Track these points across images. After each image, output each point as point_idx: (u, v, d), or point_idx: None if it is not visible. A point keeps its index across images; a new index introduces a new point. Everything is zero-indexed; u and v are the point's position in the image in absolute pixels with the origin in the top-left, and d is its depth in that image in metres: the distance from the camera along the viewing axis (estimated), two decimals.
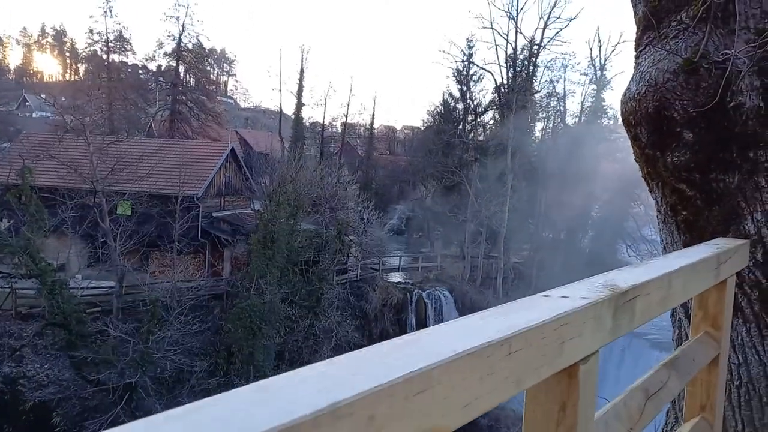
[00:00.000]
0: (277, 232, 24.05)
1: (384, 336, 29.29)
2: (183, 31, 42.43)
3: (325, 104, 53.95)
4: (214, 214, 30.40)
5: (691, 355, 1.81)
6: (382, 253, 34.30)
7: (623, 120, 2.66)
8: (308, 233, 26.93)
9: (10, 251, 20.26)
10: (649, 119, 2.52)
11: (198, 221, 28.63)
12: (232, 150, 32.01)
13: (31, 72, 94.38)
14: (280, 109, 49.41)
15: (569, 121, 40.23)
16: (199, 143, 36.14)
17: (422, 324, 29.93)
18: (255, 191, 30.81)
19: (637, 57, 2.67)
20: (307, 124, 48.82)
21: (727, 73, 2.38)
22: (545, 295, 1.11)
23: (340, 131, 50.99)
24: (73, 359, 20.97)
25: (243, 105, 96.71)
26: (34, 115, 58.12)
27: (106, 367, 20.62)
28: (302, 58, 44.87)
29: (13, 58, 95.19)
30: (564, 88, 39.47)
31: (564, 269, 32.28)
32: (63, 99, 42.62)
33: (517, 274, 34.79)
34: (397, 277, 33.14)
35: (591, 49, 42.34)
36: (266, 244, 23.61)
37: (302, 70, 45.37)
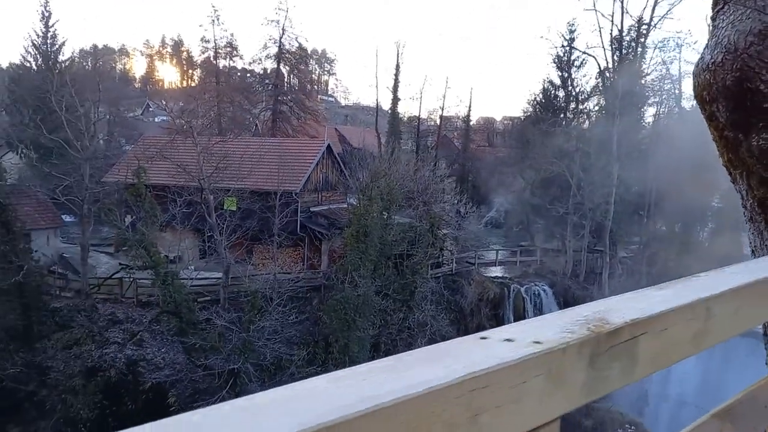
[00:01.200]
0: (370, 225, 24.27)
1: (480, 330, 28.65)
2: (283, 33, 44.11)
3: (420, 98, 53.94)
4: (312, 209, 31.36)
5: (763, 401, 1.39)
6: (479, 247, 33.58)
7: (696, 96, 2.18)
8: (402, 227, 26.94)
9: (129, 245, 22.16)
10: (728, 94, 2.03)
11: (297, 216, 29.69)
12: (329, 147, 32.79)
13: (154, 80, 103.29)
14: (377, 104, 49.91)
15: (686, 104, 36.82)
16: (297, 141, 37.47)
17: (521, 318, 28.93)
18: (351, 186, 31.37)
19: (713, 18, 2.17)
20: (405, 118, 48.94)
21: None
22: (483, 337, 0.82)
23: (436, 124, 50.61)
24: (184, 344, 22.57)
25: (343, 102, 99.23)
26: (156, 119, 63.44)
27: (213, 353, 21.96)
28: (398, 54, 44.97)
29: (138, 68, 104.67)
30: (679, 70, 36.14)
31: (678, 265, 29.68)
32: (180, 104, 46.10)
33: (625, 269, 32.56)
34: (494, 272, 32.30)
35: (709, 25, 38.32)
36: (359, 238, 23.92)
37: (398, 66, 45.47)
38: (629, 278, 31.49)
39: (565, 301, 29.50)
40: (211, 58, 48.91)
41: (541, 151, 33.38)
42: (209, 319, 22.43)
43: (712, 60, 2.06)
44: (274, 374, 22.73)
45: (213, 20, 46.32)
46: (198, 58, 59.88)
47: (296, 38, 45.16)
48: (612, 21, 32.85)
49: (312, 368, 24.03)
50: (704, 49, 2.16)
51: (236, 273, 25.61)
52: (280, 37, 44.23)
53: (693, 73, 2.19)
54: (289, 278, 26.57)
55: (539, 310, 28.95)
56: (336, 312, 23.24)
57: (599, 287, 30.62)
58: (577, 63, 35.94)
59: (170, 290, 21.77)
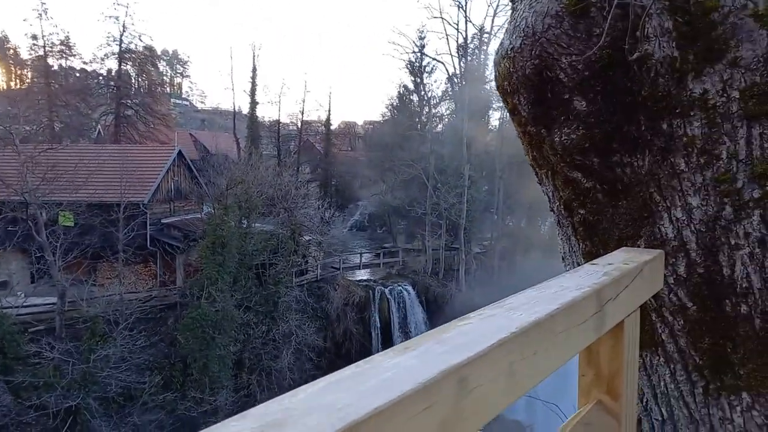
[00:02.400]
0: (227, 236, 22.97)
1: (347, 335, 28.56)
2: (124, 31, 40.56)
3: (279, 102, 52.91)
4: (163, 221, 29.05)
5: None
6: (344, 251, 33.49)
7: (498, 88, 1.95)
8: (263, 235, 25.91)
9: None
10: (529, 84, 1.81)
11: (146, 228, 27.32)
12: (180, 153, 30.65)
13: None
14: (233, 108, 48.01)
15: None
16: (143, 147, 34.60)
17: (386, 321, 29.29)
18: (206, 194, 29.57)
19: (513, 1, 1.95)
20: (266, 123, 47.57)
21: (630, 14, 1.68)
22: None
23: (298, 128, 49.85)
24: (10, 384, 19.56)
25: (199, 106, 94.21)
26: None
27: (47, 390, 19.29)
28: (254, 56, 43.71)
29: None
30: None
31: (525, 258, 32.09)
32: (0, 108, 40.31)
33: (479, 264, 34.43)
34: (360, 275, 32.37)
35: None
36: (216, 250, 22.52)
37: (254, 68, 44.07)
38: (483, 272, 33.39)
39: (427, 299, 30.45)
40: (43, 57, 43.54)
41: (399, 154, 34.20)
42: (40, 351, 19.68)
43: (511, 46, 1.83)
44: (123, 406, 20.57)
45: (40, 14, 41.29)
46: (27, 57, 53.02)
47: (139, 36, 41.80)
48: (457, 29, 34.68)
49: (169, 394, 22.19)
50: (504, 33, 1.92)
51: (75, 296, 22.83)
52: (121, 35, 40.63)
53: (494, 61, 1.94)
54: (139, 297, 24.31)
55: (404, 310, 29.54)
56: (192, 331, 21.64)
57: (457, 283, 32.04)
58: (428, 69, 37.42)
59: None
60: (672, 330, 1.68)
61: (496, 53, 1.91)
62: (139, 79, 47.73)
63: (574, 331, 1.03)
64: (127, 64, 42.90)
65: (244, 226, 25.27)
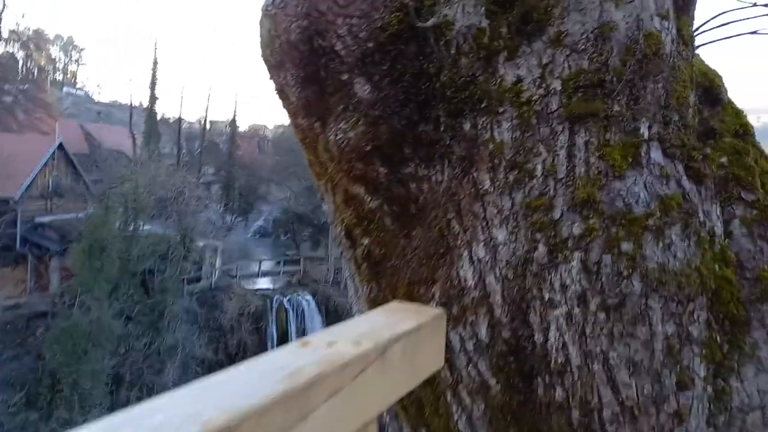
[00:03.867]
0: (107, 238, 21.02)
1: (241, 347, 27.17)
2: (4, 8, 36.71)
3: (182, 98, 50.27)
4: (38, 219, 26.27)
5: None
6: (243, 258, 32.04)
7: (264, 59, 1.38)
8: (151, 239, 24.04)
9: None
10: (296, 55, 1.26)
11: (16, 227, 24.56)
12: (61, 145, 27.94)
13: None
14: (130, 101, 44.96)
15: None
16: (18, 137, 31.28)
17: (284, 332, 28.23)
18: (89, 192, 27.11)
19: None
20: (169, 120, 44.92)
21: None
22: None
23: (201, 128, 47.57)
24: None
25: (96, 98, 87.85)
26: None
27: None
28: (155, 48, 41.12)
29: None
30: None
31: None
32: None
33: None
34: (259, 284, 31.05)
35: None
36: (93, 254, 20.50)
37: (155, 62, 41.40)
38: None
39: (327, 309, 29.75)
40: None
41: (304, 159, 33.32)
42: None
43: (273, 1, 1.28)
44: None
45: None
46: None
47: (23, 15, 38.06)
48: None
49: (32, 412, 19.92)
50: None
51: None
52: (0, 12, 36.68)
53: (259, 22, 1.38)
54: (2, 305, 21.73)
55: (302, 321, 28.63)
56: (61, 343, 19.51)
57: None
58: None
59: None
60: (471, 417, 1.18)
61: (263, 8, 1.35)
62: (27, 65, 43.63)
63: None
64: (13, 46, 38.97)
65: (131, 228, 23.35)
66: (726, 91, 1.28)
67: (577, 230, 1.04)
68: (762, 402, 1.08)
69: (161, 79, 41.48)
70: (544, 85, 1.08)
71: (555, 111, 1.07)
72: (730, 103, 1.29)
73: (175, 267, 23.90)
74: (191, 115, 46.95)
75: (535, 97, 1.09)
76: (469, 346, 1.16)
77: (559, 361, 1.07)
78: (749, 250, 1.11)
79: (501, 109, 1.11)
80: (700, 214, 1.07)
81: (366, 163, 1.24)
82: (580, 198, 1.04)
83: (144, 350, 22.20)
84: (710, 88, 1.25)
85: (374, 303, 1.30)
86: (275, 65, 1.31)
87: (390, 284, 1.29)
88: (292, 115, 1.36)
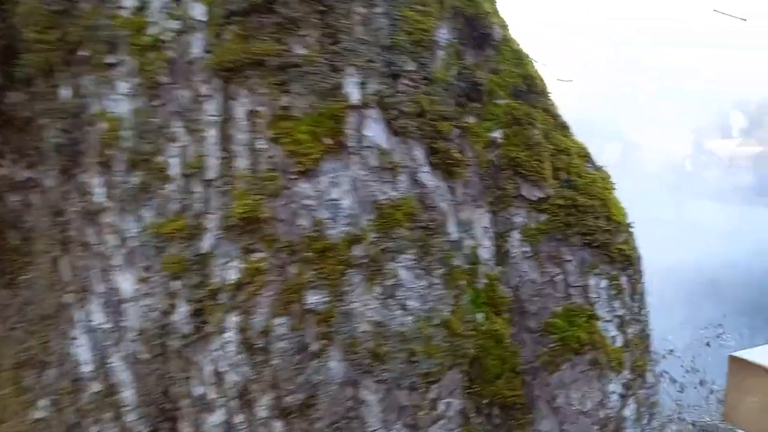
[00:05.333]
0: None
1: None
2: None
3: None
4: None
5: None
6: None
7: None
8: None
9: None
10: None
11: None
12: None
13: None
14: None
15: None
16: None
17: None
18: None
19: None
20: None
21: None
22: None
23: None
24: None
25: None
26: None
27: None
28: None
29: None
30: None
31: None
32: None
33: None
34: None
35: None
36: None
37: None
38: None
39: None
40: None
41: None
42: None
43: None
44: None
45: None
46: None
47: None
48: None
49: None
50: None
51: None
52: None
53: None
54: None
55: None
56: None
57: None
58: None
59: None
60: None
61: None
62: None
63: None
64: None
65: None
66: (504, 24, 0.81)
67: (233, 274, 0.57)
68: None
69: None
70: (176, 14, 0.60)
71: (198, 59, 0.59)
72: (509, 42, 0.80)
73: None
74: None
75: (166, 36, 0.60)
76: None
77: None
78: (533, 282, 0.71)
79: (114, 60, 0.62)
80: (452, 230, 0.66)
81: None
82: (238, 214, 0.58)
83: None
84: (474, 18, 0.78)
85: None
86: None
87: None
88: None
